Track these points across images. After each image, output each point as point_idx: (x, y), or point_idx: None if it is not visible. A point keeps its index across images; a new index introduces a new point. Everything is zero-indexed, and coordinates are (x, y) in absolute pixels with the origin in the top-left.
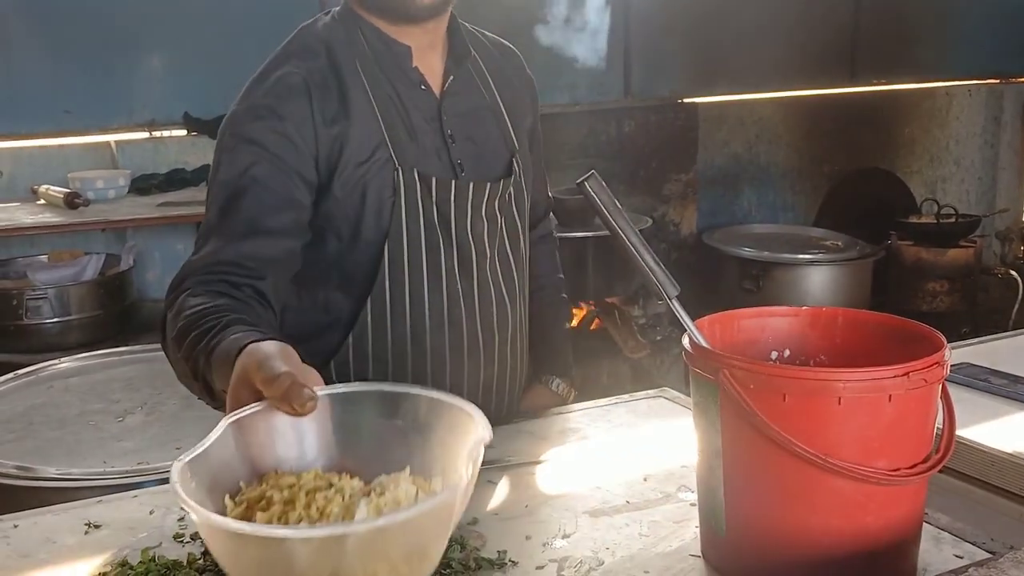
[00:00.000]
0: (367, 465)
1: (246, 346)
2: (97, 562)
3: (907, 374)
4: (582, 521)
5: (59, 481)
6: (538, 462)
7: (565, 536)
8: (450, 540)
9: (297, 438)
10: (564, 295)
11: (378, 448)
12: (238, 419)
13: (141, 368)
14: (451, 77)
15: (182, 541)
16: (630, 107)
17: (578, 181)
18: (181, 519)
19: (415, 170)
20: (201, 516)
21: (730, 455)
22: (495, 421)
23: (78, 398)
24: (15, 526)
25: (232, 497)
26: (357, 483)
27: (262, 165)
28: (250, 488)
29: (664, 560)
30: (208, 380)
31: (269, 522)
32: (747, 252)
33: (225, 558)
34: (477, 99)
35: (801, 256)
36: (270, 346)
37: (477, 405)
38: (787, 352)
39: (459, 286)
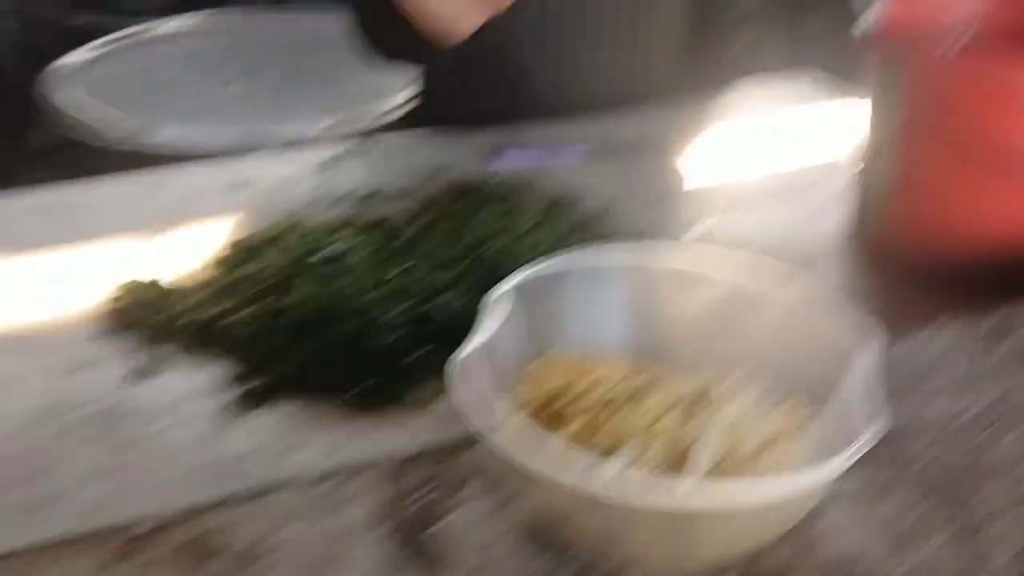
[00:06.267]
0: (675, 360)
1: None
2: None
3: None
4: (717, 204)
5: (163, 148)
6: (658, 147)
7: (703, 217)
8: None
9: (595, 309)
10: None
11: (690, 337)
12: (521, 283)
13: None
14: None
15: (327, 204)
16: None
17: None
18: (323, 183)
19: None
20: (499, 451)
21: (907, 140)
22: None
23: (179, 64)
24: (158, 182)
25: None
26: (682, 385)
27: None
28: (536, 376)
29: (813, 241)
30: None
31: (572, 441)
32: None
33: (516, 491)
34: None
35: None
36: None
37: (606, 91)
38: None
39: None
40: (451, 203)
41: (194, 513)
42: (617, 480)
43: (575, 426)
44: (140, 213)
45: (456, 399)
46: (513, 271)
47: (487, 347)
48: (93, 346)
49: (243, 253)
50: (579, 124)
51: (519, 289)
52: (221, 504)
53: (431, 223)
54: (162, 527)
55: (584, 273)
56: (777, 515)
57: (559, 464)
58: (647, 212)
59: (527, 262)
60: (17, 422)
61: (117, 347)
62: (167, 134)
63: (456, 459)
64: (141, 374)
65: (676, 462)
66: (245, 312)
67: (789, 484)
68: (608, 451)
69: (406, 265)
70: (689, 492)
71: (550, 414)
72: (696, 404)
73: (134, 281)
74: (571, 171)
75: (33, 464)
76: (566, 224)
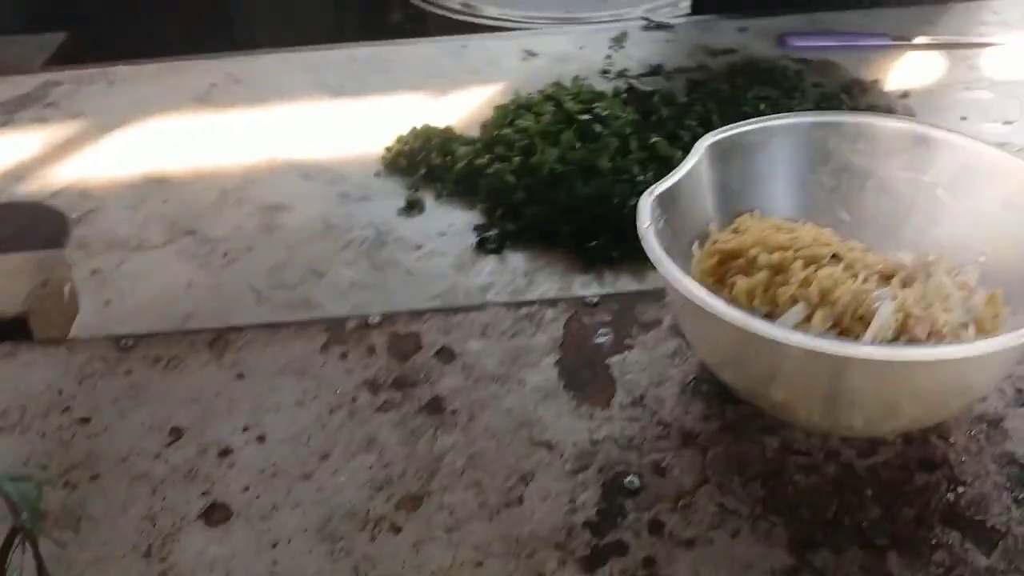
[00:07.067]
0: (872, 233)
1: None
2: (534, 83)
3: None
4: None
5: (497, 20)
6: (981, 45)
7: (1007, 122)
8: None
9: (787, 173)
10: None
11: (893, 210)
12: (717, 141)
13: None
14: None
15: (608, 77)
16: None
17: None
18: (608, 57)
19: None
20: (673, 279)
21: None
22: None
23: None
24: (463, 46)
25: (700, 244)
26: (873, 259)
27: None
28: (724, 235)
29: None
30: None
31: (751, 293)
32: None
33: (692, 329)
34: None
35: None
36: None
37: None
38: None
39: None
40: (727, 81)
41: (413, 316)
42: (783, 325)
43: (759, 277)
44: (440, 72)
45: (643, 232)
46: None
47: (681, 190)
48: (377, 180)
49: (504, 115)
50: (875, 14)
51: (719, 146)
52: (435, 312)
53: (700, 99)
54: (389, 320)
55: (792, 135)
56: (941, 384)
57: (733, 309)
58: (943, 103)
59: None
60: (310, 231)
61: (396, 184)
62: (499, 10)
63: (648, 305)
64: (411, 208)
65: (852, 324)
66: (499, 167)
67: (959, 348)
68: (784, 307)
69: (655, 139)
70: (857, 345)
71: (731, 268)
72: (888, 278)
73: (427, 125)
74: (867, 59)
75: (314, 264)
76: (845, 108)
